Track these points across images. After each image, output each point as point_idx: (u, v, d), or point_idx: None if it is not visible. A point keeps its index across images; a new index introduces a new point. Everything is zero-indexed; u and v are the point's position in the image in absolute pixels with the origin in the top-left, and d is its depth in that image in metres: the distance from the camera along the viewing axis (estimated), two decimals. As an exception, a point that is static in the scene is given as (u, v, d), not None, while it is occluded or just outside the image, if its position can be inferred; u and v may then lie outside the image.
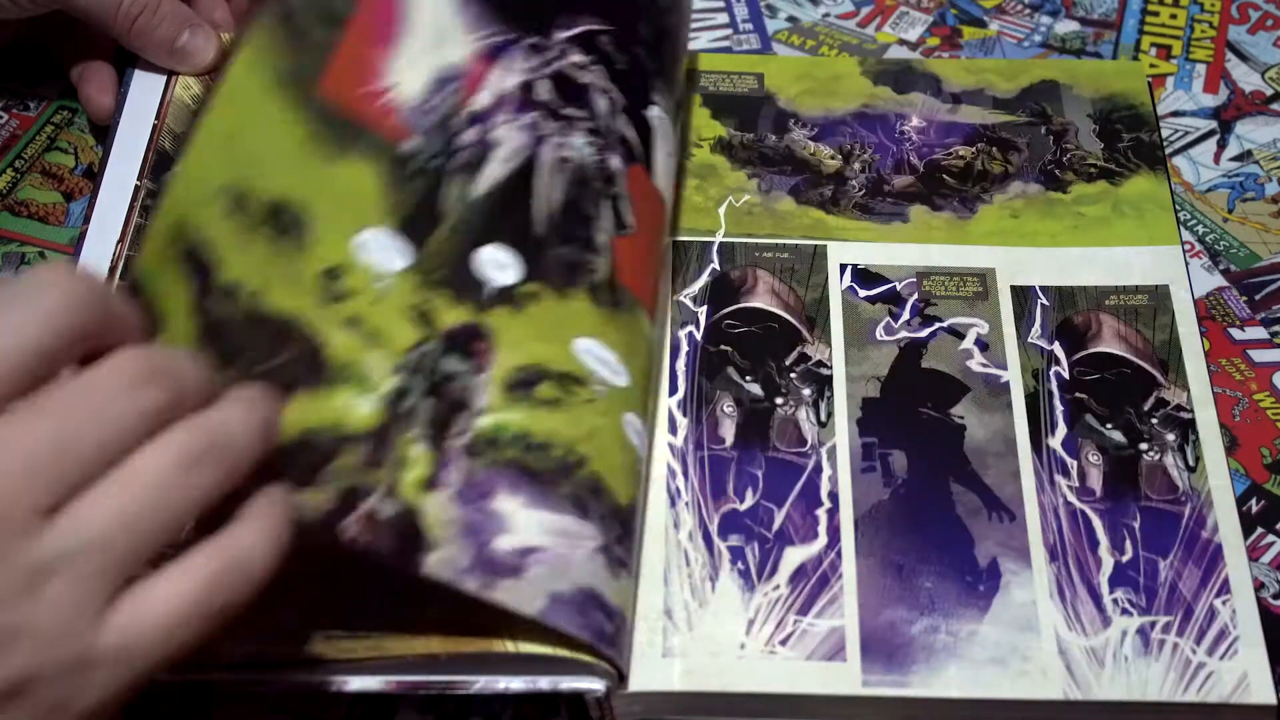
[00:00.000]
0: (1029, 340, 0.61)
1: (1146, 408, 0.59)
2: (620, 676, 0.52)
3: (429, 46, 0.56)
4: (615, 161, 0.58)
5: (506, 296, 0.54)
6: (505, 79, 0.57)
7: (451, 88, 0.56)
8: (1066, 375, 0.60)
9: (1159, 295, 0.62)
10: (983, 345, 0.61)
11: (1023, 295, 0.63)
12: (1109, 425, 0.59)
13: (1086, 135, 0.68)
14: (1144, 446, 0.58)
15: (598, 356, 0.54)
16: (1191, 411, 0.59)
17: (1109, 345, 0.61)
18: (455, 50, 0.57)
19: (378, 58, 0.55)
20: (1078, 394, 0.60)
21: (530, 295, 0.54)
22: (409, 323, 0.52)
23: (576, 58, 0.59)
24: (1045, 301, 0.62)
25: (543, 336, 0.54)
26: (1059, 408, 0.59)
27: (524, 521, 0.51)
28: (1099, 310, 0.62)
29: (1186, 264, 0.64)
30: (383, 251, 0.52)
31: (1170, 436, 0.59)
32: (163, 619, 0.40)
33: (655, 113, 0.61)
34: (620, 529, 0.53)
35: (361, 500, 0.49)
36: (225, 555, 0.41)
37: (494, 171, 0.55)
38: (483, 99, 0.57)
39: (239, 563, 0.41)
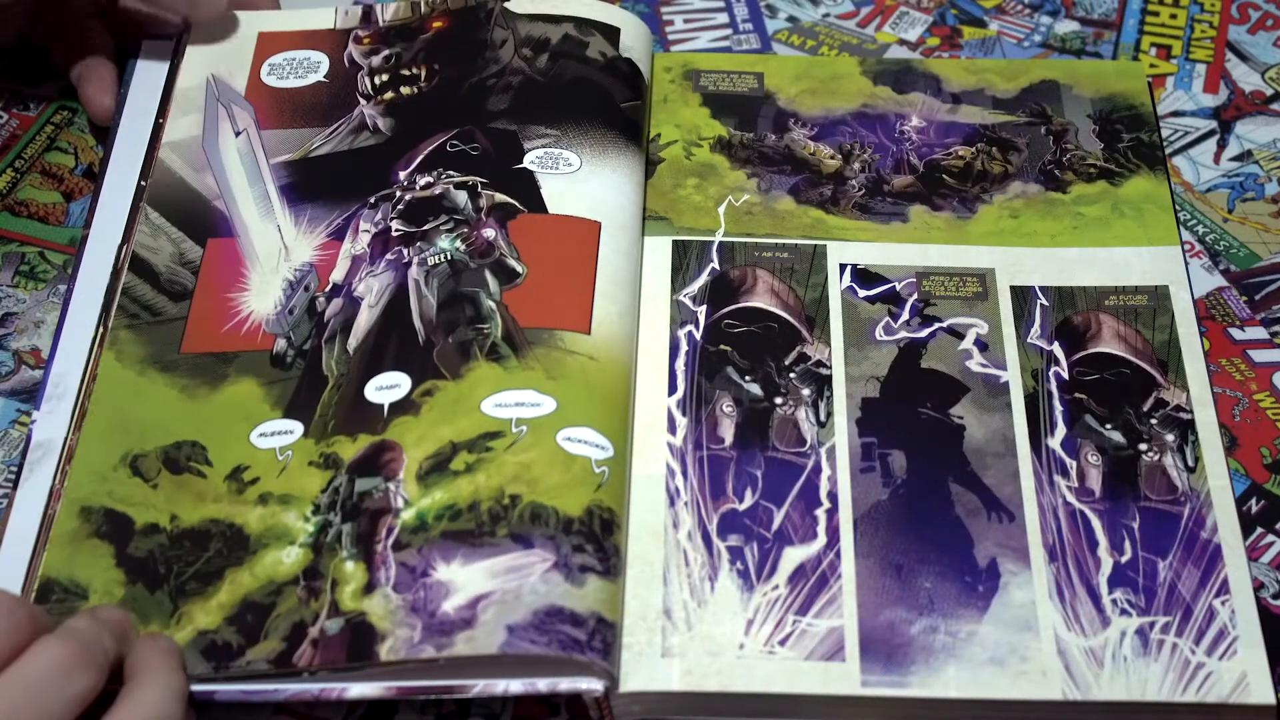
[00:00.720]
0: (1028, 340, 0.61)
1: (1146, 408, 0.59)
2: (609, 674, 0.52)
3: (275, 266, 0.63)
4: (489, 232, 0.63)
5: (402, 408, 0.58)
6: (356, 244, 0.63)
7: (304, 283, 0.62)
8: (1066, 375, 0.60)
9: (1159, 296, 0.62)
10: (982, 345, 0.61)
11: (1022, 295, 0.63)
12: (1108, 425, 0.59)
13: (1086, 135, 0.68)
14: (1143, 447, 0.58)
15: (512, 402, 0.57)
16: (1191, 412, 0.59)
17: (1108, 345, 0.61)
18: (301, 253, 0.64)
19: (230, 301, 0.63)
20: (1077, 394, 0.60)
21: (426, 393, 0.58)
22: (317, 471, 0.57)
23: (422, 181, 0.65)
24: (1045, 301, 0.62)
25: (446, 420, 0.57)
26: (1058, 408, 0.59)
27: (466, 578, 0.53)
28: (1098, 310, 0.62)
29: (1186, 264, 0.64)
30: (277, 435, 0.58)
31: (1170, 437, 0.59)
32: None
33: (534, 155, 0.65)
34: (579, 538, 0.54)
35: (308, 629, 0.53)
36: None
37: (365, 319, 0.61)
38: (338, 273, 0.63)
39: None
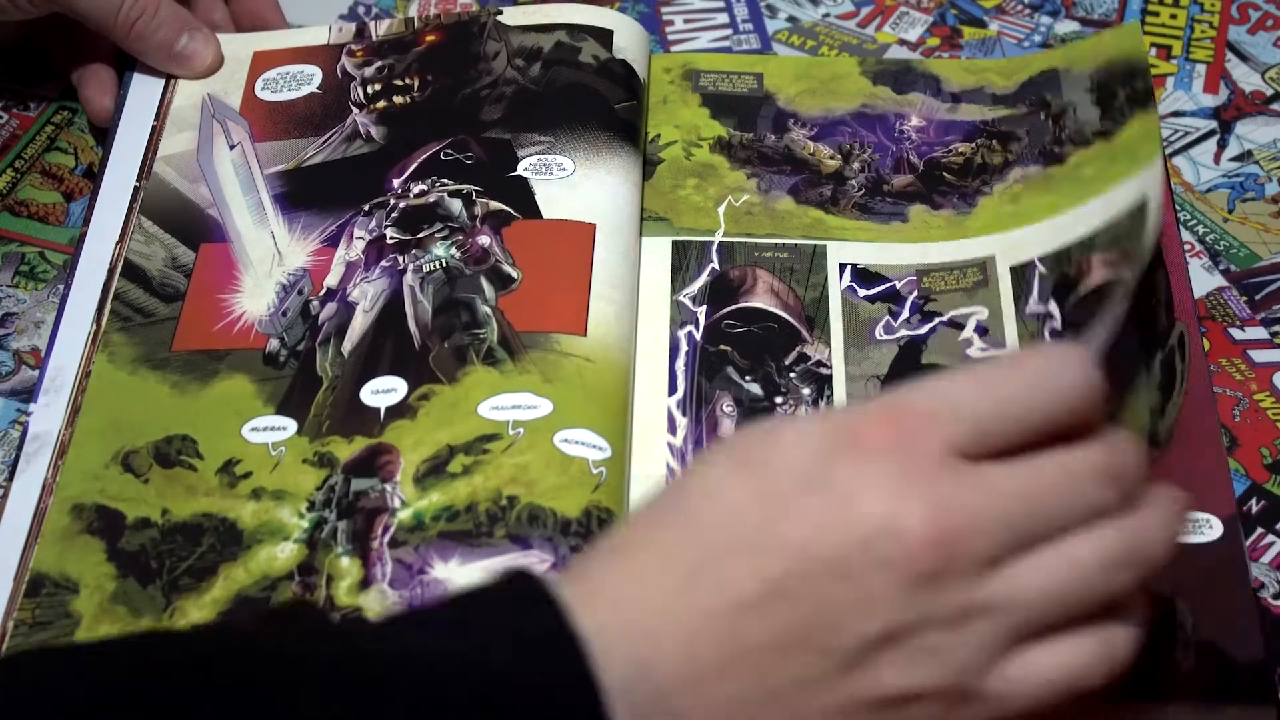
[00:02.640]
0: (1026, 311, 0.61)
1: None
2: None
3: (269, 270, 0.63)
4: (484, 239, 0.63)
5: (399, 412, 0.58)
6: (350, 250, 0.64)
7: (298, 287, 0.62)
8: (1059, 327, 0.60)
9: (1138, 215, 0.61)
10: (982, 330, 0.61)
11: (1021, 272, 0.63)
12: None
13: (1085, 108, 0.67)
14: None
15: (509, 405, 0.58)
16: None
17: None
18: (295, 259, 0.64)
19: (222, 302, 0.63)
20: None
21: (422, 397, 0.59)
22: (311, 469, 0.57)
23: (416, 189, 0.65)
24: (1043, 270, 0.62)
25: (444, 424, 0.58)
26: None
27: (464, 577, 0.54)
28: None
29: (1166, 168, 0.62)
30: (270, 430, 0.59)
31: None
32: (1039, 684, 0.42)
33: (528, 162, 0.65)
34: (577, 539, 0.54)
35: None
36: (1103, 649, 0.43)
37: (360, 324, 0.62)
38: (332, 278, 0.63)
39: (1112, 657, 0.43)
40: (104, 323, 0.62)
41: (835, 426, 0.42)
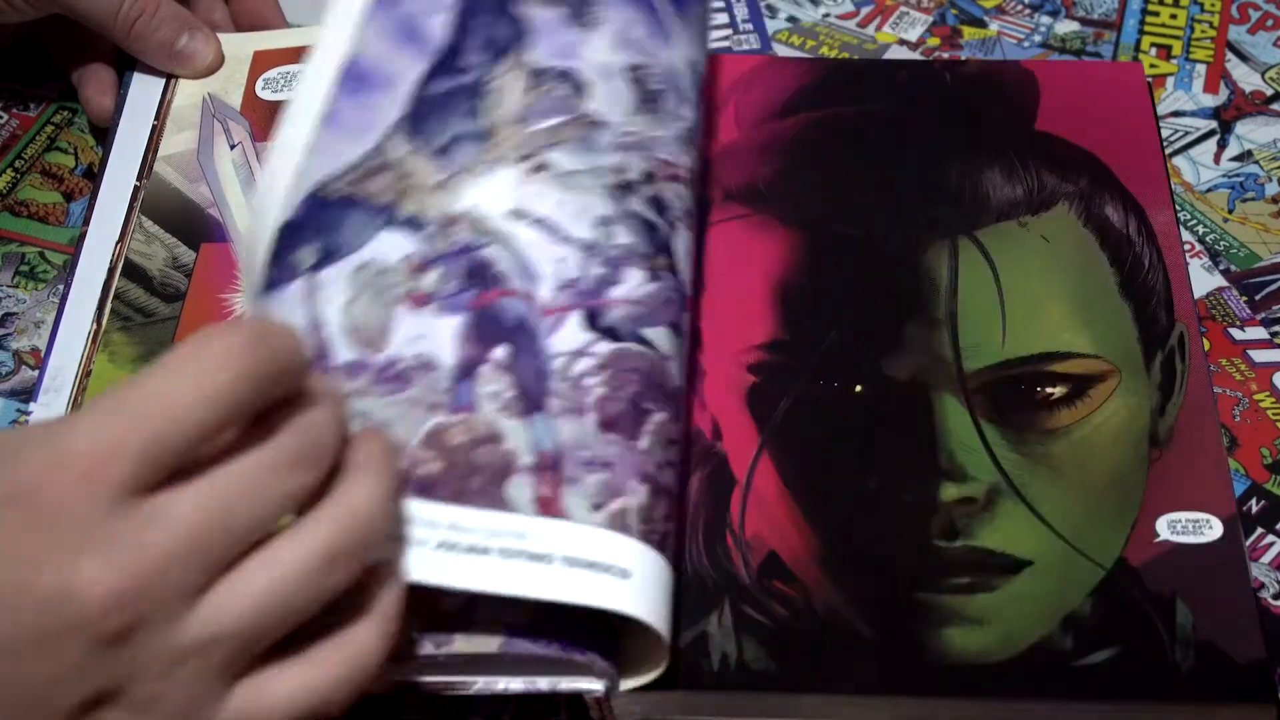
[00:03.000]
0: None
1: None
2: (610, 675, 0.52)
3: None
4: None
5: None
6: None
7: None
8: None
9: None
10: None
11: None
12: None
13: None
14: None
15: None
16: None
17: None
18: None
19: (224, 301, 0.62)
20: None
21: None
22: None
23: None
24: None
25: None
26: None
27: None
28: None
29: None
30: None
31: None
32: (279, 709, 0.41)
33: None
34: None
35: None
36: (347, 658, 0.42)
37: None
38: None
39: (358, 665, 0.43)
40: (104, 322, 0.62)
41: (9, 466, 0.39)
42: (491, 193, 0.54)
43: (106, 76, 0.71)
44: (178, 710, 0.39)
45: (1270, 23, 0.76)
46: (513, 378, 0.51)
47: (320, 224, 0.53)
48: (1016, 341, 0.61)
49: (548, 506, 0.49)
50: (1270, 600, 0.57)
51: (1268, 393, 0.62)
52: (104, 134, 0.69)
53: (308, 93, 0.54)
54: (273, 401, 0.41)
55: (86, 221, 0.66)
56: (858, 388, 0.60)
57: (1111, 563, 0.56)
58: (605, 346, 0.52)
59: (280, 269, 0.52)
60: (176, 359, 0.40)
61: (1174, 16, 0.76)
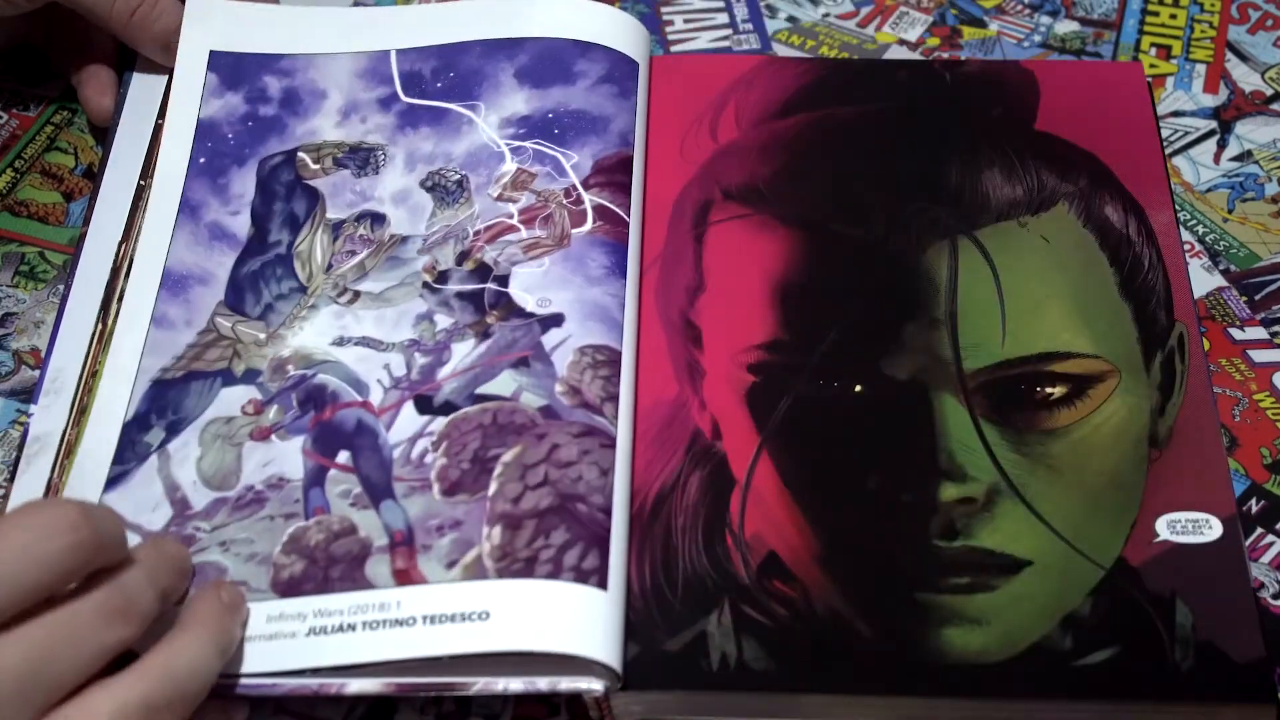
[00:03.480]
0: None
1: None
2: (610, 674, 0.52)
3: None
4: None
5: None
6: None
7: None
8: None
9: None
10: None
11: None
12: None
13: None
14: None
15: None
16: None
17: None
18: None
19: None
20: None
21: None
22: None
23: None
24: None
25: None
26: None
27: None
28: None
29: None
30: None
31: None
32: None
33: None
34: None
35: None
36: (168, 669, 0.47)
37: None
38: None
39: (183, 676, 0.47)
40: (110, 323, 0.62)
41: None
42: (314, 332, 0.61)
43: (106, 77, 0.71)
44: None
45: (1270, 23, 0.76)
46: (359, 475, 0.57)
47: (163, 406, 0.59)
48: (1016, 341, 0.61)
49: (405, 577, 0.54)
50: (1270, 600, 0.57)
51: (1268, 393, 0.62)
52: (104, 134, 0.69)
53: (135, 305, 0.62)
54: (93, 569, 0.47)
55: (86, 221, 0.65)
56: (858, 388, 0.60)
57: (1111, 563, 0.56)
58: (440, 422, 0.58)
59: (128, 459, 0.58)
60: (14, 524, 0.45)
61: (1174, 16, 0.76)
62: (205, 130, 0.67)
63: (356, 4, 0.77)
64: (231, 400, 0.59)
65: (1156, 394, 0.60)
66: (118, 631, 0.46)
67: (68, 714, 0.44)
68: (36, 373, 0.63)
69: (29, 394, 0.62)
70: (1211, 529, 0.56)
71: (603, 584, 0.53)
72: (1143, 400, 0.59)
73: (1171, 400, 0.60)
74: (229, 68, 0.69)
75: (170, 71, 0.70)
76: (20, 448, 0.59)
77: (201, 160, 0.66)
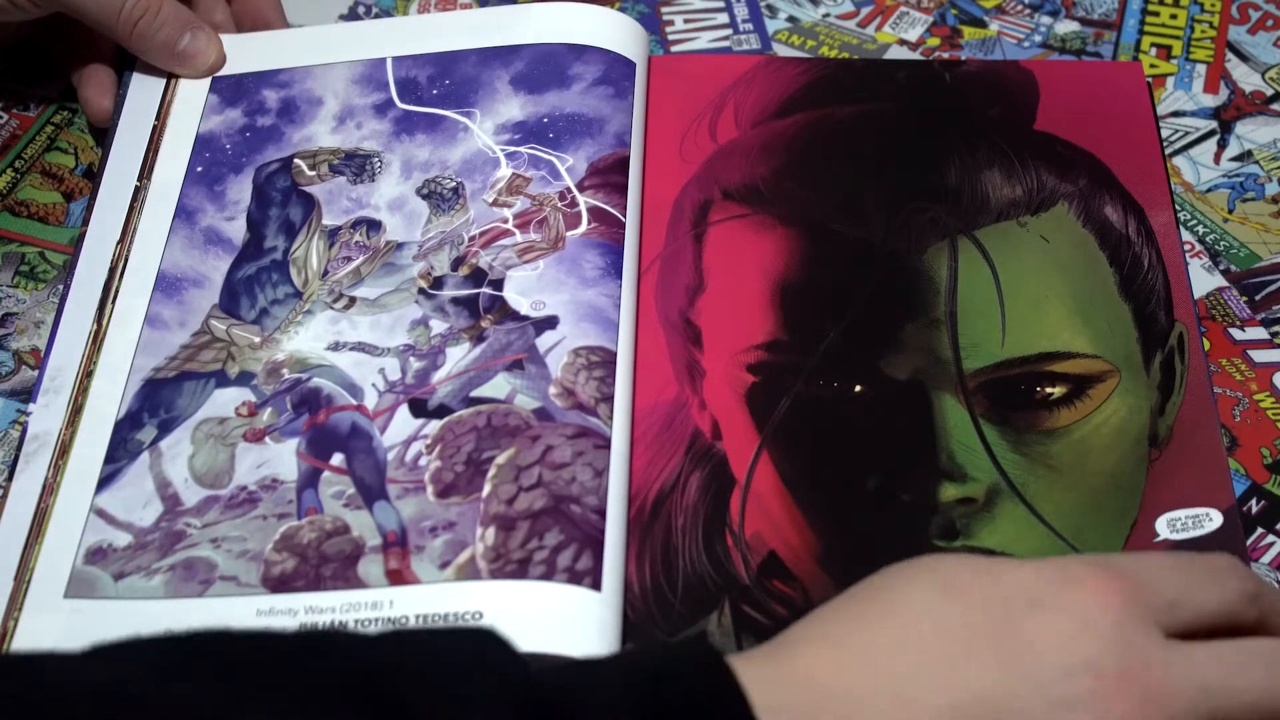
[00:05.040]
0: None
1: None
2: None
3: None
4: None
5: None
6: None
7: None
8: None
9: None
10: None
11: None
12: None
13: None
14: None
15: None
16: None
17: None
18: None
19: None
20: None
21: None
22: None
23: None
24: None
25: None
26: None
27: None
28: None
29: None
30: None
31: None
32: None
33: None
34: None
35: None
36: None
37: None
38: None
39: None
40: (105, 323, 0.62)
41: (1054, 567, 0.45)
42: (309, 337, 0.61)
43: (106, 77, 0.71)
44: None
45: (1270, 23, 0.76)
46: (353, 477, 0.57)
47: (155, 404, 0.60)
48: (1016, 342, 0.61)
49: (398, 577, 0.54)
50: (1270, 600, 0.57)
51: (1268, 393, 0.62)
52: (104, 134, 0.69)
53: (129, 305, 0.62)
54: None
55: (86, 221, 0.66)
56: (858, 388, 0.60)
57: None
58: (435, 425, 0.58)
59: (119, 457, 0.58)
60: (1187, 556, 0.48)
61: (1174, 16, 0.76)
62: (204, 142, 0.67)
63: (352, 14, 0.77)
64: (225, 402, 0.60)
65: (1156, 394, 0.60)
66: None
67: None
68: (36, 373, 0.63)
69: (29, 394, 0.62)
70: (1211, 521, 0.56)
71: (596, 585, 0.53)
72: (1142, 400, 0.59)
73: (1171, 400, 0.59)
74: (230, 88, 0.69)
75: (170, 75, 0.70)
76: (19, 447, 0.59)
77: (199, 169, 0.66)
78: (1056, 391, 0.60)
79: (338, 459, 0.58)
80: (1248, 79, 0.74)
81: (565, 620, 0.52)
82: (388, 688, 0.39)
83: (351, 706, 0.39)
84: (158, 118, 0.69)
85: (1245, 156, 0.71)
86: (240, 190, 0.66)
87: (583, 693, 0.41)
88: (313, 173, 0.66)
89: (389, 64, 0.69)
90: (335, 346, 0.61)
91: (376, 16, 0.77)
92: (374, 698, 0.39)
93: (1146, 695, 0.43)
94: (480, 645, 0.42)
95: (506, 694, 0.40)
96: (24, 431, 0.59)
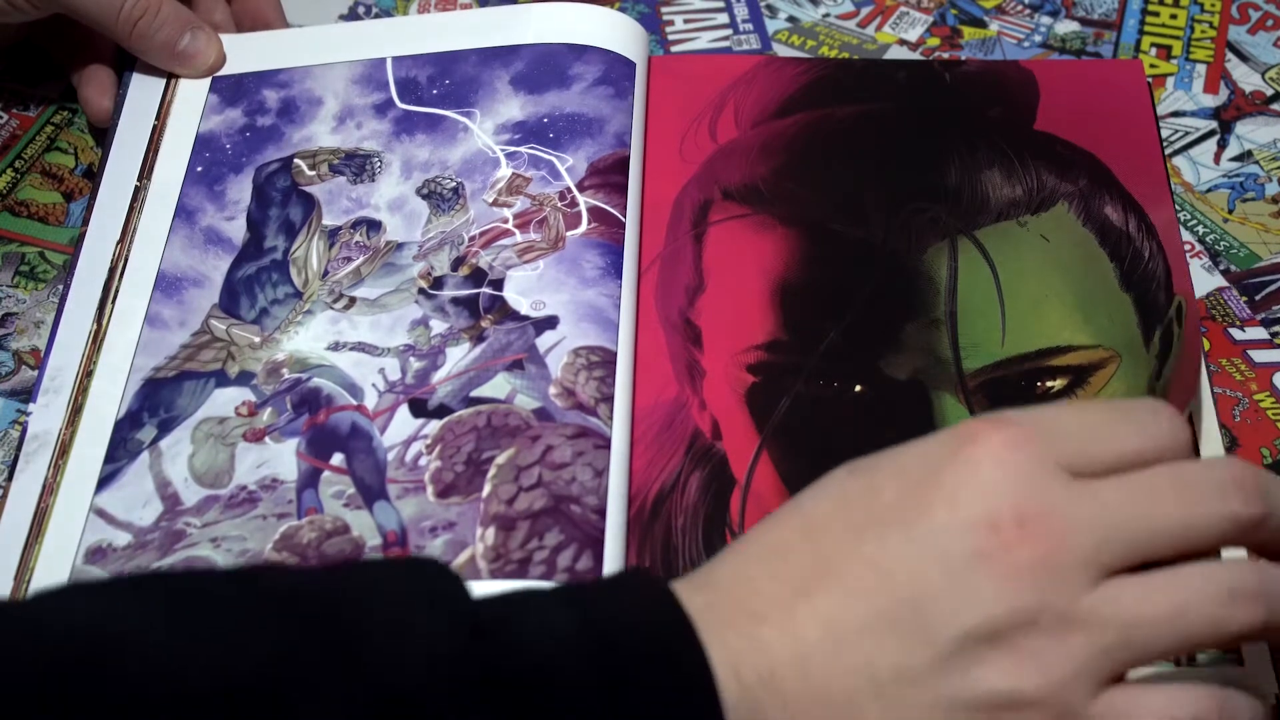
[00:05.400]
0: None
1: None
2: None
3: None
4: None
5: None
6: None
7: None
8: None
9: None
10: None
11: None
12: None
13: None
14: None
15: None
16: None
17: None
18: None
19: None
20: None
21: None
22: None
23: None
24: None
25: None
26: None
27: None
28: None
29: None
30: None
31: None
32: None
33: None
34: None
35: None
36: (1218, 708, 0.41)
37: None
38: None
39: (1228, 708, 0.42)
40: (104, 323, 0.62)
41: (952, 432, 0.43)
42: (309, 337, 0.61)
43: (106, 77, 0.71)
44: (1055, 674, 0.40)
45: (1270, 23, 0.76)
46: (353, 477, 0.57)
47: (155, 404, 0.60)
48: (1016, 341, 0.61)
49: None
50: (1270, 600, 0.57)
51: (1268, 393, 0.62)
52: (104, 134, 0.69)
53: (129, 305, 0.62)
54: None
55: (86, 221, 0.66)
56: (858, 388, 0.60)
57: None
58: (435, 425, 0.58)
59: (119, 456, 0.58)
60: (1103, 402, 0.47)
61: (1174, 16, 0.76)
62: (204, 142, 0.67)
63: (352, 13, 0.77)
64: (225, 401, 0.59)
65: (1154, 362, 0.60)
66: (1230, 505, 0.42)
67: (1153, 582, 0.41)
68: (36, 373, 0.63)
69: (29, 394, 0.62)
70: None
71: None
72: (1141, 377, 0.59)
73: (1167, 364, 0.60)
74: (230, 88, 0.69)
75: (170, 75, 0.70)
76: (19, 447, 0.59)
77: (199, 169, 0.66)
78: (1057, 384, 0.60)
79: (338, 459, 0.58)
80: (1248, 79, 0.74)
81: None
82: (332, 609, 0.39)
83: (297, 622, 0.39)
84: (158, 118, 0.69)
85: (1245, 156, 0.71)
86: (240, 190, 0.66)
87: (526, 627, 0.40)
88: (313, 173, 0.66)
89: (389, 64, 0.69)
90: (335, 346, 0.61)
91: (376, 16, 0.77)
92: (314, 617, 0.39)
93: (1051, 540, 0.41)
94: (425, 572, 0.42)
95: (454, 618, 0.40)
96: (24, 431, 0.59)
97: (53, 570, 0.55)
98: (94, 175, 0.68)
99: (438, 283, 0.62)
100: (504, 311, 0.61)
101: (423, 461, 0.57)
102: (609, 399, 0.58)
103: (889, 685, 0.40)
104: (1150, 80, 0.70)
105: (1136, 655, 0.41)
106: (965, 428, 0.43)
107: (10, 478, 0.58)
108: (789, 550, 0.43)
